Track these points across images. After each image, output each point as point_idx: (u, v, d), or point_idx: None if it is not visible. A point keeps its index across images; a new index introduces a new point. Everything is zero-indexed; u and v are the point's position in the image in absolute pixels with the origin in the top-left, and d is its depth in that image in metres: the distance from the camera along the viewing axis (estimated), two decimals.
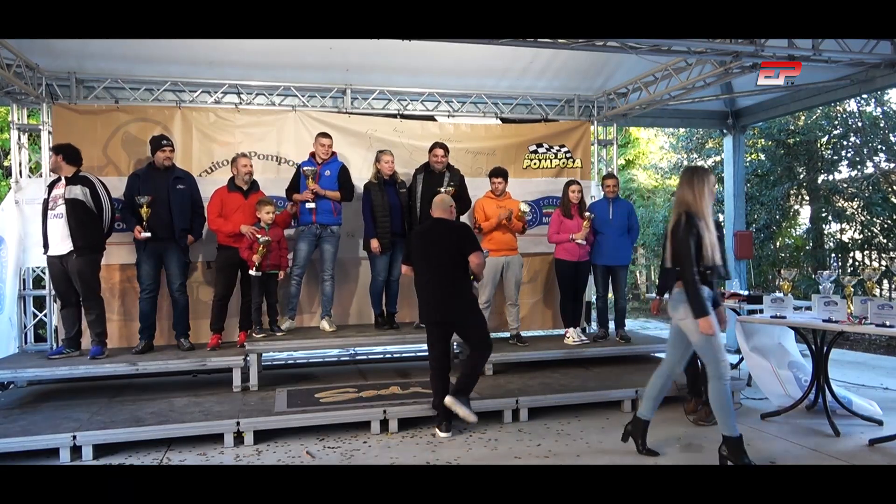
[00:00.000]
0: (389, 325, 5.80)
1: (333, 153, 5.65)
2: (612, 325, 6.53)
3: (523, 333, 6.09)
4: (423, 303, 4.44)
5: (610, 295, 6.36)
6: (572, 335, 5.95)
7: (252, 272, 5.19)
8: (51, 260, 4.98)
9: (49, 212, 4.92)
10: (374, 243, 5.52)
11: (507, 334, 6.04)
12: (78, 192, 4.91)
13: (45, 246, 4.95)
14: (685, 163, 13.43)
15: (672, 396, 4.88)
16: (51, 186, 5.03)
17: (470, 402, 4.28)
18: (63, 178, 4.95)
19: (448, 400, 4.21)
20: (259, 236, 5.12)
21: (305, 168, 5.41)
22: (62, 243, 4.91)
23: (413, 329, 5.78)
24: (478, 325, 4.40)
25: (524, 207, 5.80)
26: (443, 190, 5.52)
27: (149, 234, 5.07)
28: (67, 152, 4.97)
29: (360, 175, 5.99)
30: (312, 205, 5.42)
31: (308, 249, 5.55)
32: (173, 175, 5.26)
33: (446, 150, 5.75)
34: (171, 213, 5.16)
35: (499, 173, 5.89)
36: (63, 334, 5.14)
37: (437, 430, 4.33)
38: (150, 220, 5.07)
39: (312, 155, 5.61)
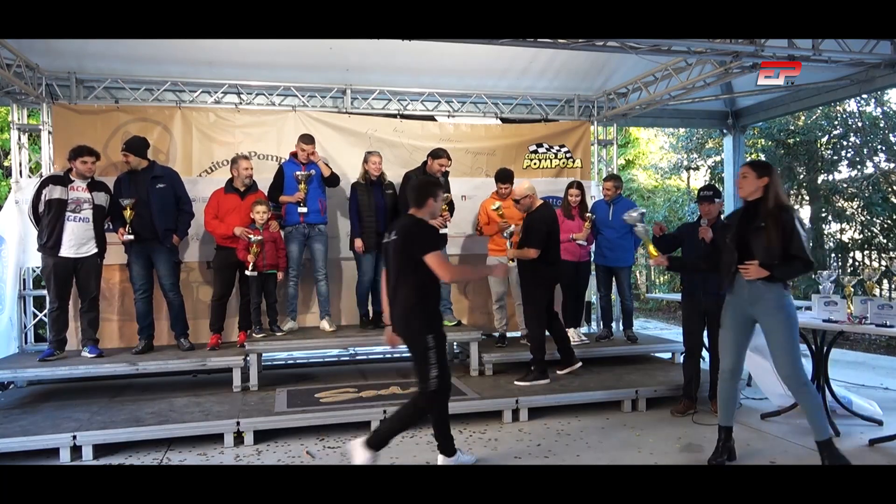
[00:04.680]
0: (375, 325, 5.81)
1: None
2: (616, 324, 6.55)
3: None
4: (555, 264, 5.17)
5: (615, 296, 6.36)
6: (573, 335, 5.94)
7: (248, 272, 5.20)
8: (63, 261, 4.91)
9: (70, 213, 4.89)
10: (358, 242, 5.53)
11: (519, 333, 6.04)
12: (102, 198, 5.07)
13: (58, 247, 4.87)
14: (685, 163, 13.45)
15: (670, 396, 4.90)
16: (64, 183, 4.91)
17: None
18: (83, 181, 4.99)
19: (561, 373, 5.21)
20: (251, 236, 5.13)
21: (298, 173, 5.39)
22: (84, 246, 4.95)
23: None
24: None
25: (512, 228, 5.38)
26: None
27: (132, 237, 5.04)
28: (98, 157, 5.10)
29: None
30: (305, 209, 5.43)
31: (299, 250, 5.55)
32: (151, 174, 5.18)
33: (450, 161, 5.70)
34: (152, 214, 5.09)
35: (505, 179, 5.70)
36: (54, 335, 5.04)
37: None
38: (133, 221, 5.04)
39: (293, 155, 5.60)
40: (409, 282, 3.35)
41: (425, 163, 5.72)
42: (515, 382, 5.04)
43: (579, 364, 5.25)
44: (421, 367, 3.37)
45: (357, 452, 3.36)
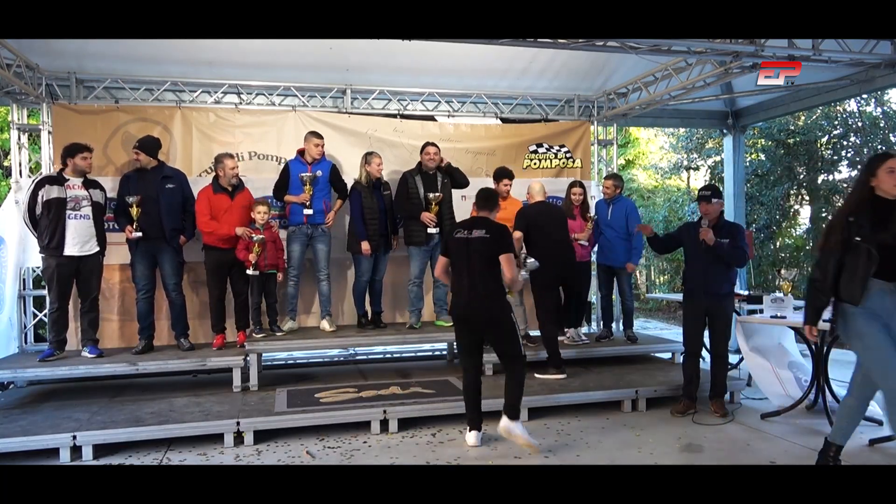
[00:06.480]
0: (375, 325, 5.81)
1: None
2: (616, 324, 6.53)
3: None
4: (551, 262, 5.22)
5: (615, 296, 6.36)
6: (573, 335, 5.95)
7: (249, 272, 5.19)
8: (66, 261, 4.90)
9: (70, 212, 4.89)
10: (365, 245, 5.50)
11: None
12: (100, 196, 5.09)
13: (61, 246, 4.86)
14: (685, 163, 13.43)
15: (670, 396, 4.90)
16: (60, 182, 4.90)
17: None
18: (78, 179, 4.99)
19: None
20: (253, 236, 5.12)
21: (303, 175, 5.39)
22: (87, 244, 4.96)
23: (406, 329, 5.77)
24: None
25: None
26: (431, 196, 5.51)
27: (140, 234, 5.05)
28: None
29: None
30: (310, 210, 5.42)
31: (301, 250, 5.55)
32: (162, 174, 5.20)
33: (437, 148, 5.73)
34: (161, 213, 5.11)
35: (506, 175, 5.78)
36: (54, 336, 5.03)
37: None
38: (140, 220, 5.04)
39: (300, 153, 5.60)
40: (494, 272, 3.97)
41: (420, 162, 5.73)
42: (535, 375, 5.15)
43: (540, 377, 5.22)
44: (512, 338, 3.99)
45: (507, 427, 3.93)
